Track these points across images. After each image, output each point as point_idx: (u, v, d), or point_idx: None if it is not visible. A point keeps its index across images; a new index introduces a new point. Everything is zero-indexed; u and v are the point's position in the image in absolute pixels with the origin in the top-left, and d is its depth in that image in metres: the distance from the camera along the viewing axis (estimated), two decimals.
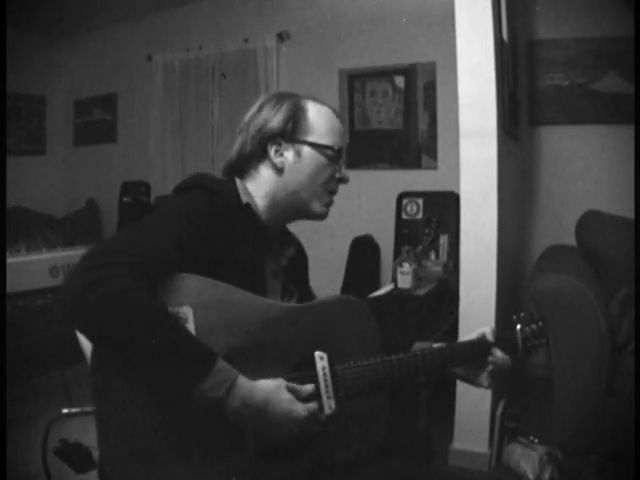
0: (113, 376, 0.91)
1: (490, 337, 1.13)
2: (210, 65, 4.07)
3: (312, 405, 0.96)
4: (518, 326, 1.15)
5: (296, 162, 1.12)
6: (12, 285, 2.46)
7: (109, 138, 4.68)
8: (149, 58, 4.30)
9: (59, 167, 4.97)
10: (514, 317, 1.17)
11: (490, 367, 1.13)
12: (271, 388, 0.93)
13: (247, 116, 1.16)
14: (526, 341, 1.14)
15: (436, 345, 1.15)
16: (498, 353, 1.12)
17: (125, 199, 4.37)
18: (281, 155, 1.12)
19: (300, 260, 1.27)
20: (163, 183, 4.26)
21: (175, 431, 0.91)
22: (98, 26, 4.52)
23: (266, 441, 0.94)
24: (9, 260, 2.51)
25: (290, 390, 0.95)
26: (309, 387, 0.97)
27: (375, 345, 1.07)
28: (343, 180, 1.17)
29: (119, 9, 4.18)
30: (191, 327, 0.91)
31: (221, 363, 0.88)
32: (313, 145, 1.12)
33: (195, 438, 0.92)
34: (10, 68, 3.28)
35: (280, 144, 1.12)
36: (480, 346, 1.13)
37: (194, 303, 0.92)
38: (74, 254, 2.88)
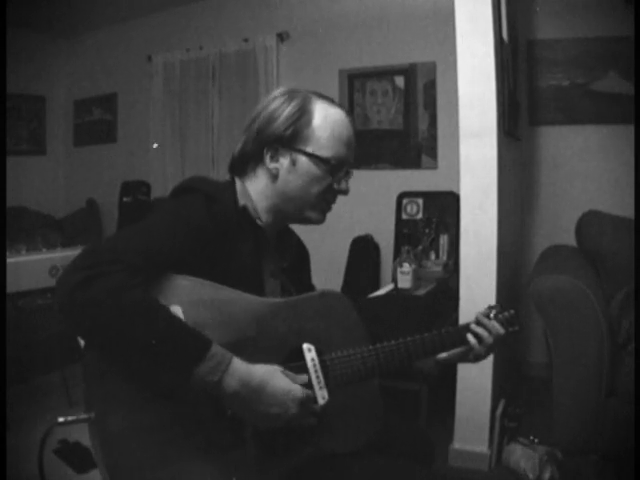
0: (109, 379, 0.91)
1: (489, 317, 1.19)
2: (210, 65, 4.08)
3: (307, 390, 0.97)
4: (494, 312, 1.20)
5: (290, 171, 1.09)
6: (12, 285, 2.46)
7: (109, 138, 4.69)
8: (149, 58, 4.30)
9: (59, 167, 4.97)
10: (486, 307, 1.22)
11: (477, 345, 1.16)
12: (268, 369, 0.94)
13: (256, 110, 1.13)
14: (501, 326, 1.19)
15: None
16: (495, 324, 1.17)
17: (125, 199, 4.37)
18: (276, 161, 1.09)
19: (301, 258, 1.27)
20: (163, 183, 4.26)
21: (175, 429, 0.92)
22: (98, 26, 4.53)
23: (265, 423, 0.94)
24: (9, 260, 2.51)
25: (285, 374, 0.96)
26: (303, 377, 0.98)
27: (360, 335, 1.09)
28: (341, 192, 1.14)
29: (119, 9, 4.18)
30: None
31: (216, 347, 0.89)
32: (309, 156, 1.08)
33: (195, 436, 0.93)
34: (10, 68, 3.28)
35: (276, 150, 1.09)
36: (465, 331, 1.17)
37: (183, 302, 0.93)
38: (74, 254, 2.86)
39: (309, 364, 1.02)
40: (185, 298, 0.94)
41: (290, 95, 1.11)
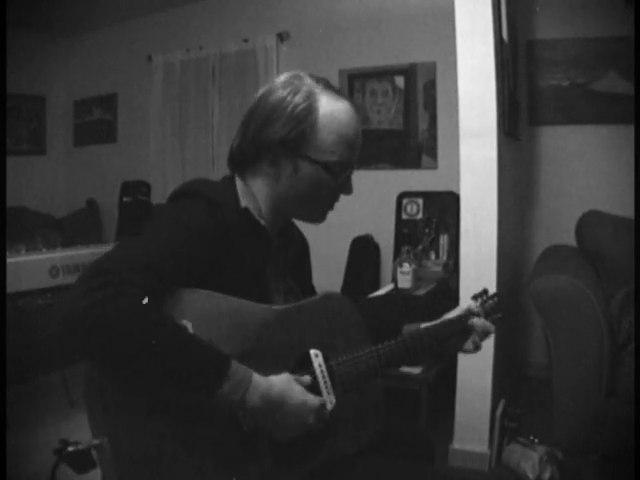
0: (113, 396, 0.90)
1: (475, 309, 1.23)
2: (210, 65, 4.08)
3: (320, 397, 0.98)
4: (479, 303, 1.24)
5: (292, 176, 1.04)
6: (12, 285, 2.45)
7: (109, 138, 4.69)
8: (149, 58, 4.30)
9: (59, 167, 4.97)
10: (473, 295, 1.27)
11: (474, 336, 1.20)
12: (284, 381, 0.94)
13: (254, 101, 1.06)
14: (487, 316, 1.23)
15: (423, 325, 1.20)
16: (486, 322, 1.21)
17: (125, 199, 4.37)
18: (277, 165, 1.04)
19: (302, 252, 1.25)
20: (163, 183, 4.26)
21: (188, 445, 0.91)
22: (98, 26, 4.53)
23: (284, 434, 0.94)
24: (9, 260, 2.51)
25: (298, 382, 0.96)
26: (307, 378, 0.99)
27: (362, 336, 1.09)
28: (345, 193, 1.11)
29: (119, 9, 4.19)
30: None
31: (235, 364, 0.88)
32: (313, 162, 1.03)
33: (209, 451, 0.92)
34: (10, 68, 3.28)
35: (277, 155, 1.03)
36: (462, 322, 1.20)
37: (192, 316, 0.91)
38: (74, 254, 2.88)
39: (317, 370, 1.02)
40: (194, 312, 0.92)
41: (293, 88, 1.02)
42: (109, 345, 0.82)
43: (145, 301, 0.84)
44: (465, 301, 2.14)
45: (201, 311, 0.93)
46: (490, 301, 1.24)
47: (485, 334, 1.20)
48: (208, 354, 0.87)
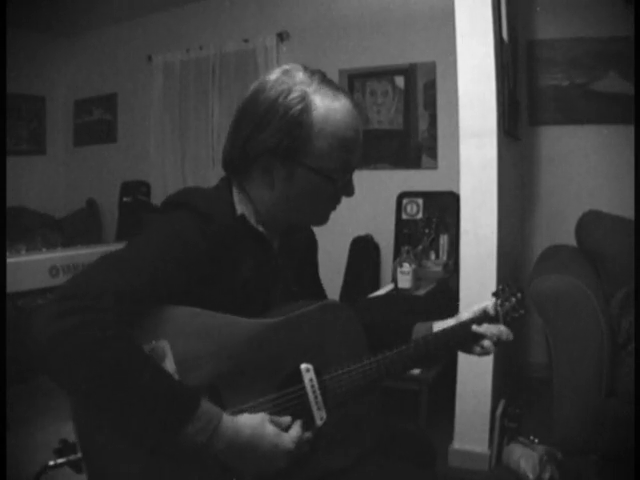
0: (97, 422, 0.86)
1: (492, 311, 1.12)
2: (210, 65, 4.08)
3: (296, 432, 0.92)
4: (499, 300, 1.14)
5: (286, 183, 0.98)
6: (12, 285, 2.45)
7: (109, 138, 4.69)
8: (149, 58, 4.31)
9: (59, 167, 4.98)
10: (494, 292, 1.16)
11: (487, 341, 1.10)
12: (255, 424, 0.89)
13: (244, 101, 1.01)
14: (506, 315, 1.13)
15: (435, 328, 1.14)
16: (501, 328, 1.10)
17: (125, 199, 4.37)
18: (270, 173, 0.98)
19: (307, 248, 1.21)
20: (163, 183, 4.26)
21: (167, 470, 0.87)
22: (98, 26, 4.53)
23: (255, 475, 0.91)
24: (9, 260, 2.51)
25: (274, 423, 0.91)
26: (287, 419, 0.94)
27: (360, 346, 1.04)
28: (346, 195, 1.05)
29: (119, 9, 4.19)
30: (170, 362, 0.86)
31: (205, 405, 0.83)
32: (308, 169, 0.96)
33: (189, 476, 0.88)
34: (10, 68, 3.28)
35: (268, 162, 0.97)
36: (474, 325, 1.10)
37: (173, 334, 0.88)
38: (74, 254, 2.89)
39: (307, 385, 0.97)
40: (175, 330, 0.88)
41: (285, 88, 0.95)
42: (73, 374, 0.79)
43: (113, 330, 0.79)
44: (465, 301, 2.15)
45: (183, 329, 0.89)
46: (513, 298, 1.14)
47: (499, 340, 1.10)
48: (176, 392, 0.82)
